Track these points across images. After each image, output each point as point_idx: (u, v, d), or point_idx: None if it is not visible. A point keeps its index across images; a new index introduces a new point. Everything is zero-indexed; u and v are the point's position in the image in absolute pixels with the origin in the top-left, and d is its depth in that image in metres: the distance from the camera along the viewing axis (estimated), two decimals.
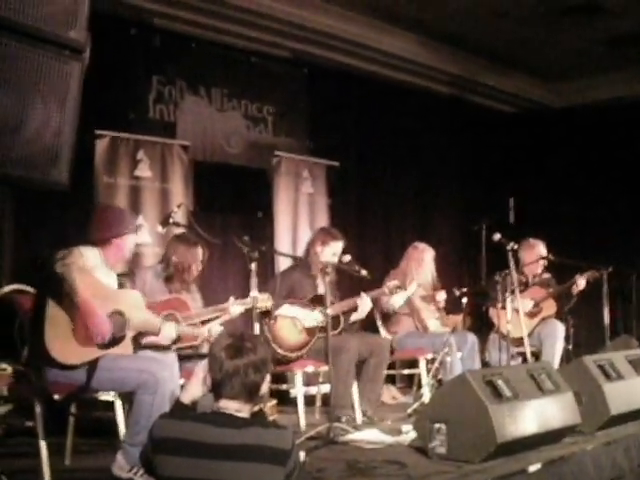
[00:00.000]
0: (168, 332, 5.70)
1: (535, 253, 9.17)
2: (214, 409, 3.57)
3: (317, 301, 7.29)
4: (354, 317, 7.59)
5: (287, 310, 7.26)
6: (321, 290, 7.23)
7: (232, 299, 6.35)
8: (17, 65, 3.62)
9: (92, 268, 5.35)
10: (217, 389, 3.57)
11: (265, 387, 3.65)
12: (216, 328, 6.22)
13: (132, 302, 5.53)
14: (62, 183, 3.88)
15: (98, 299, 5.18)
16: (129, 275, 6.44)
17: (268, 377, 3.66)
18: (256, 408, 3.66)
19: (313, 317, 7.27)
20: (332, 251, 7.47)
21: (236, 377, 3.50)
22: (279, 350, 7.11)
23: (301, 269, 7.61)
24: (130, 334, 5.42)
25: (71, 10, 3.86)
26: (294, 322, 7.28)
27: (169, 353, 5.69)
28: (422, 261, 8.60)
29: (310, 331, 7.27)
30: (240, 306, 6.35)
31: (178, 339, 5.94)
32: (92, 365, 5.19)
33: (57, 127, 3.81)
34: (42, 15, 3.72)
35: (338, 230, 7.89)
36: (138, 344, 5.52)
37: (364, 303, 7.50)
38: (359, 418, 7.21)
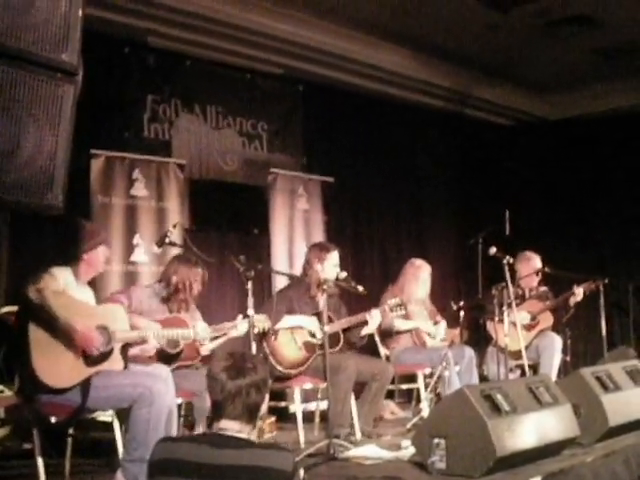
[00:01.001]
0: (154, 339, 5.73)
1: (531, 266, 9.18)
2: (214, 430, 3.56)
3: (318, 318, 7.28)
4: (365, 331, 7.57)
5: (289, 321, 7.26)
6: (321, 307, 7.20)
7: (240, 317, 6.34)
8: (9, 90, 3.64)
9: (65, 288, 5.36)
10: (218, 410, 3.53)
11: (264, 407, 3.65)
12: (202, 327, 6.21)
13: (113, 315, 5.55)
14: (57, 207, 3.89)
15: (79, 317, 5.20)
16: (124, 292, 6.47)
17: (267, 397, 3.65)
18: (255, 430, 3.63)
19: (317, 325, 7.26)
20: (331, 263, 7.47)
21: (238, 398, 3.46)
22: (279, 367, 7.10)
23: (298, 288, 7.58)
24: (117, 346, 5.43)
25: (63, 33, 3.88)
26: (294, 337, 7.27)
27: (163, 367, 5.71)
28: (419, 278, 8.60)
29: (309, 347, 7.26)
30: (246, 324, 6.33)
31: (179, 353, 5.97)
32: (86, 385, 5.20)
33: (51, 150, 3.82)
34: (34, 39, 3.74)
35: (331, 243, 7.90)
36: (127, 356, 5.53)
37: (374, 318, 7.48)
38: (358, 436, 7.19)
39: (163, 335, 5.87)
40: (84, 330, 5.18)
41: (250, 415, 3.51)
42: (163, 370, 5.59)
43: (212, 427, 3.54)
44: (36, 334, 5.11)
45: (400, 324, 8.32)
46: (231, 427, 3.48)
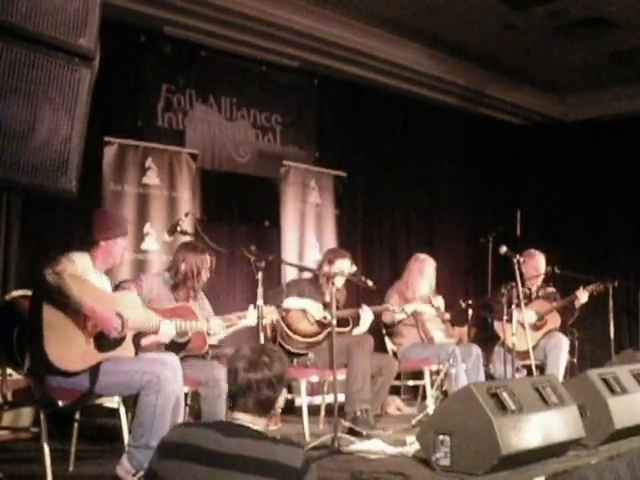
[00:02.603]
0: (167, 329, 5.73)
1: (533, 263, 9.14)
2: (228, 419, 3.54)
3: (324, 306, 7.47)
4: (356, 331, 7.63)
5: (295, 302, 7.35)
6: (328, 299, 7.26)
7: (251, 307, 6.34)
8: (27, 72, 3.64)
9: (82, 273, 5.37)
10: (232, 400, 3.52)
11: (281, 401, 3.62)
12: (216, 323, 6.21)
13: (128, 303, 5.56)
14: (70, 191, 3.89)
15: (94, 302, 5.20)
16: (134, 281, 6.47)
17: (285, 391, 3.62)
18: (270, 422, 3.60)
19: (320, 308, 7.33)
20: (338, 267, 7.54)
21: (249, 392, 3.45)
22: (294, 336, 7.29)
23: (310, 281, 7.75)
24: (130, 334, 5.44)
25: (81, 17, 3.88)
26: (306, 316, 7.40)
27: (171, 354, 5.71)
28: (424, 272, 8.58)
29: (320, 324, 7.36)
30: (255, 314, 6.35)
31: (187, 342, 5.98)
32: (94, 370, 5.21)
33: (66, 134, 3.82)
34: (52, 22, 3.74)
35: (345, 248, 8.01)
36: (138, 345, 5.54)
37: (366, 315, 7.54)
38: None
39: (176, 326, 5.86)
40: (103, 311, 5.20)
41: (263, 409, 3.49)
42: (171, 357, 5.59)
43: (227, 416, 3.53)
44: (50, 316, 5.11)
45: (399, 314, 8.29)
46: (244, 418, 3.47)
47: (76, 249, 5.47)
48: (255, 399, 3.45)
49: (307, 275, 8.14)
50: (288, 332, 7.25)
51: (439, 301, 8.58)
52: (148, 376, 5.20)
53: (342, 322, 7.40)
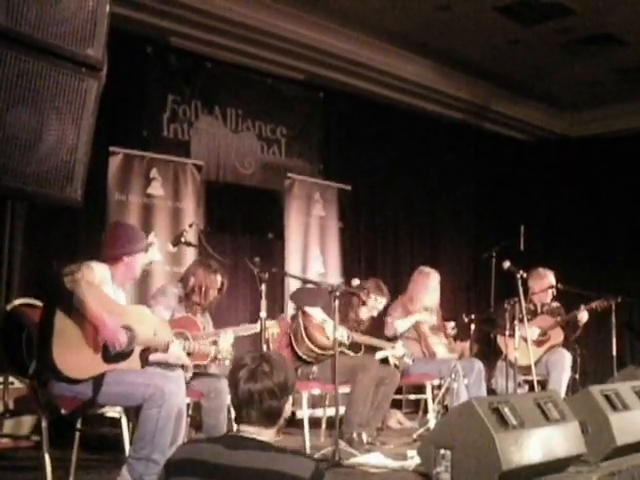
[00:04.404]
0: (176, 350, 5.70)
1: (545, 283, 9.15)
2: (234, 432, 3.48)
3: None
4: (380, 355, 7.80)
5: (319, 313, 7.39)
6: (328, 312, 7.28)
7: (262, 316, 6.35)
8: (35, 82, 3.67)
9: (100, 283, 5.36)
10: (236, 412, 3.41)
11: (288, 409, 3.48)
12: (225, 346, 6.21)
13: (140, 317, 5.53)
14: (76, 200, 3.92)
15: (107, 313, 5.19)
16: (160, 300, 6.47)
17: (290, 399, 3.45)
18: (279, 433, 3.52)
19: (343, 332, 7.34)
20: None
21: (251, 403, 3.33)
22: (312, 346, 7.30)
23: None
24: (138, 349, 5.43)
25: (89, 28, 3.91)
26: (325, 328, 7.39)
27: (176, 370, 5.70)
28: (428, 286, 8.58)
29: (334, 342, 7.36)
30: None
31: (188, 354, 5.97)
32: (98, 380, 5.20)
33: (72, 144, 3.85)
34: (61, 33, 3.77)
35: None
36: (146, 360, 5.52)
37: (396, 351, 7.75)
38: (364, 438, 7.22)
39: (185, 347, 5.83)
40: (111, 324, 5.18)
41: (268, 420, 3.37)
42: (176, 372, 5.59)
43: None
44: (62, 323, 5.09)
45: (401, 325, 8.29)
46: (248, 430, 3.36)
47: (97, 260, 5.45)
48: (258, 410, 3.33)
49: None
50: (304, 334, 7.25)
51: (451, 326, 8.62)
52: (152, 389, 5.19)
53: (354, 347, 7.43)
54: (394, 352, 7.84)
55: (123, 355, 5.32)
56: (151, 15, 8.47)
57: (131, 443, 5.34)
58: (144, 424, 5.20)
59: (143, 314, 5.63)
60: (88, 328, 5.17)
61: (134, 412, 5.39)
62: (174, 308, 6.35)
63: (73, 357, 5.13)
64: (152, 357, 5.63)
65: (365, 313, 7.74)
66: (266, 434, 3.37)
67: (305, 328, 7.32)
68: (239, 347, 6.57)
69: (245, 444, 3.31)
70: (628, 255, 12.23)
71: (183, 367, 5.85)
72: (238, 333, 6.46)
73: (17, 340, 5.68)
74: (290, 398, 3.43)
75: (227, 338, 6.32)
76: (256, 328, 6.34)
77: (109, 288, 5.47)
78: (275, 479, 3.16)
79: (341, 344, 7.14)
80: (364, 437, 7.09)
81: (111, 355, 5.28)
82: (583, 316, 8.92)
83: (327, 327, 7.35)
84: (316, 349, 7.30)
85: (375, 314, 7.83)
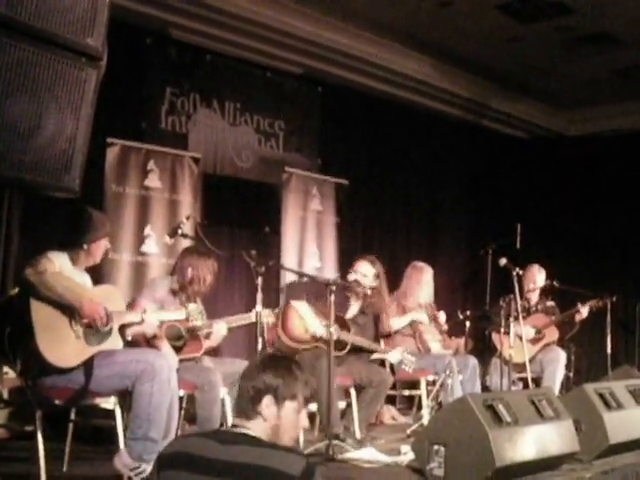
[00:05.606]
0: (151, 319, 5.73)
1: (535, 280, 9.16)
2: (227, 426, 3.51)
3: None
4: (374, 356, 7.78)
5: (302, 307, 7.30)
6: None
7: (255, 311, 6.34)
8: (34, 70, 3.66)
9: (61, 271, 5.37)
10: (235, 407, 3.50)
11: (267, 411, 3.50)
12: (193, 307, 6.17)
13: (108, 296, 5.58)
14: (73, 189, 3.90)
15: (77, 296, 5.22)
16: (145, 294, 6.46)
17: (271, 400, 3.40)
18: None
19: (319, 327, 7.27)
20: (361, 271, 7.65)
21: (242, 399, 3.42)
22: (283, 337, 7.23)
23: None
24: (115, 326, 5.45)
25: (89, 17, 3.90)
26: (302, 322, 7.31)
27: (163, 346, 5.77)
28: (422, 280, 8.57)
29: (313, 338, 7.30)
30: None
31: (182, 346, 5.99)
32: (89, 364, 5.22)
33: (71, 133, 3.84)
34: (61, 21, 3.75)
35: (345, 256, 8.06)
36: (124, 336, 5.56)
37: (391, 356, 7.65)
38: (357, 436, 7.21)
39: (157, 317, 5.85)
40: (88, 302, 5.20)
41: (246, 412, 3.42)
42: (165, 348, 5.67)
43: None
44: (39, 315, 5.11)
45: (397, 323, 8.28)
46: (240, 425, 3.40)
47: (54, 248, 5.46)
48: (245, 405, 3.40)
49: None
50: (280, 333, 7.21)
51: (441, 316, 8.58)
52: (142, 365, 5.22)
53: (337, 345, 7.28)
54: (386, 357, 7.79)
55: (104, 335, 5.34)
56: (151, 6, 8.46)
57: (127, 425, 5.34)
58: (138, 402, 5.23)
59: (110, 292, 5.73)
60: (65, 316, 5.19)
61: (128, 404, 5.40)
62: (163, 300, 6.31)
63: (59, 347, 5.15)
64: (129, 331, 5.68)
65: (352, 276, 7.66)
66: (257, 429, 3.37)
67: (284, 320, 7.29)
68: (234, 337, 6.59)
69: (237, 439, 3.32)
70: (624, 254, 12.25)
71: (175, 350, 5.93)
72: (231, 324, 6.47)
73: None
74: (271, 399, 3.41)
75: (220, 329, 6.34)
76: (249, 318, 6.36)
77: (71, 274, 5.47)
78: (266, 475, 3.15)
79: (322, 339, 7.10)
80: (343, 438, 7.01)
81: (92, 338, 5.30)
82: (584, 311, 8.93)
83: (308, 320, 7.34)
84: (292, 342, 7.25)
85: (359, 278, 7.69)
